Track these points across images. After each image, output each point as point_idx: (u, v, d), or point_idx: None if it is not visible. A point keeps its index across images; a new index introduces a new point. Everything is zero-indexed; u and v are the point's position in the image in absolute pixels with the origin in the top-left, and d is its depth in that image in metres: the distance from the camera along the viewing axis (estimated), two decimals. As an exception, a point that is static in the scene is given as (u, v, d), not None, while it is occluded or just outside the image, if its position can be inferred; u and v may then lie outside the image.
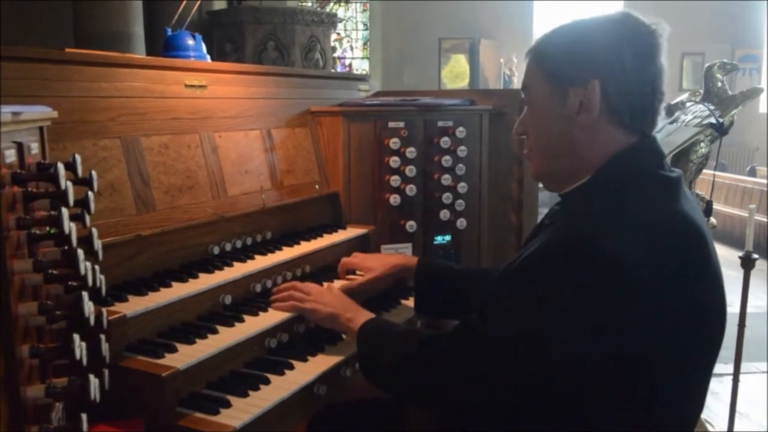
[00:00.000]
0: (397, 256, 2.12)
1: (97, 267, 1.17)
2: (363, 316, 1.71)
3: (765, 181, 8.84)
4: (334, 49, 10.17)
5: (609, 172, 1.36)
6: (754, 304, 5.68)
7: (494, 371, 1.33)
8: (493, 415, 1.40)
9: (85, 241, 1.14)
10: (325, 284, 2.03)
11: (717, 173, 3.13)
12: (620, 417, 1.31)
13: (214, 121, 2.15)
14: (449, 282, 2.00)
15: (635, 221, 1.26)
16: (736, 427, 3.19)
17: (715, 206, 3.14)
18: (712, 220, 3.06)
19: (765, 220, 7.88)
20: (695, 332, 1.30)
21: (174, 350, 1.52)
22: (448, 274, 2.02)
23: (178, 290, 1.70)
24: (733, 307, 4.86)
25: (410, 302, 2.15)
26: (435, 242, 2.72)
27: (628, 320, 1.23)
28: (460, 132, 2.67)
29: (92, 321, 1.12)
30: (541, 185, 1.61)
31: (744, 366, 3.19)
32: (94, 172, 1.18)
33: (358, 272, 2.16)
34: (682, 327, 1.27)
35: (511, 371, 1.31)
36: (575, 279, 1.24)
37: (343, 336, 1.86)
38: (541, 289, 1.28)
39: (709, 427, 3.26)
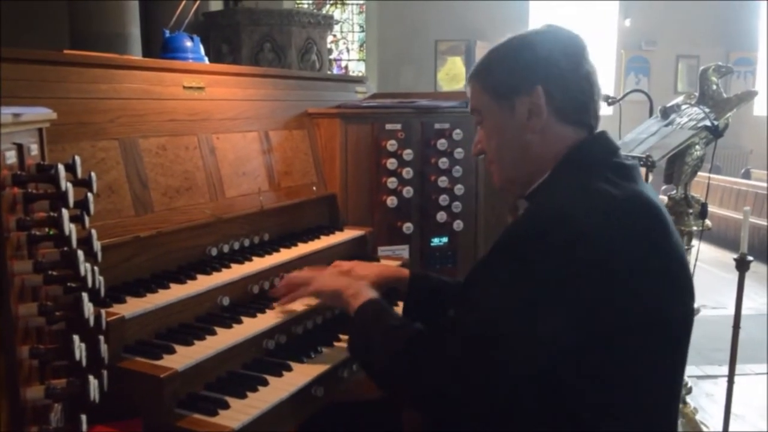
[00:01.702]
0: (388, 267, 2.07)
1: (96, 268, 1.17)
2: (365, 294, 1.68)
3: (760, 183, 8.88)
4: (330, 51, 10.16)
5: (566, 164, 1.45)
6: (749, 306, 5.70)
7: (472, 360, 1.32)
8: (476, 412, 1.39)
9: (85, 243, 1.14)
10: None
11: (712, 176, 3.14)
12: (596, 401, 1.32)
13: (211, 122, 2.15)
14: (441, 297, 1.94)
15: (596, 197, 1.33)
16: (731, 429, 3.20)
17: (711, 208, 3.16)
18: (707, 222, 3.08)
19: (764, 223, 7.89)
20: (663, 300, 1.34)
21: (172, 351, 1.53)
22: (440, 288, 1.96)
23: (176, 292, 1.71)
24: (727, 309, 4.90)
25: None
26: (432, 244, 2.73)
27: (597, 290, 1.26)
28: (457, 134, 2.68)
29: (91, 322, 1.13)
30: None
31: (738, 368, 3.20)
32: (93, 174, 1.18)
33: None
34: (649, 294, 1.31)
35: (489, 357, 1.31)
36: (544, 252, 1.28)
37: (340, 336, 1.86)
38: (510, 269, 1.32)
39: (704, 429, 3.27)
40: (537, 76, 1.44)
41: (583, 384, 1.32)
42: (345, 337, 1.84)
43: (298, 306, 1.86)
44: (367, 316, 1.63)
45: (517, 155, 1.50)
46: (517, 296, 1.30)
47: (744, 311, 3.18)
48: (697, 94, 3.25)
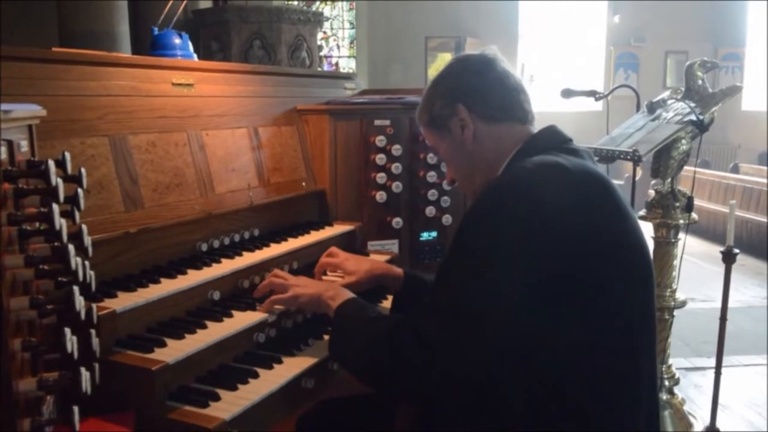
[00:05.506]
0: (379, 264, 2.07)
1: (87, 263, 1.19)
2: (343, 296, 1.72)
3: (748, 177, 8.94)
4: (320, 47, 10.16)
5: (520, 153, 1.58)
6: (737, 298, 5.76)
7: (448, 337, 1.36)
8: (459, 391, 1.42)
9: (76, 237, 1.16)
10: None
11: (700, 170, 3.18)
12: (564, 368, 1.37)
13: (201, 119, 2.17)
14: None
15: (548, 167, 1.44)
16: (718, 420, 3.24)
17: (699, 203, 3.20)
18: (694, 215, 3.11)
19: (752, 217, 7.94)
20: (608, 266, 1.40)
21: (163, 345, 1.54)
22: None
23: (166, 286, 1.72)
24: (715, 301, 4.94)
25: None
26: (421, 239, 2.75)
27: (551, 253, 1.34)
28: (446, 130, 2.70)
29: (83, 316, 1.14)
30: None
31: (726, 359, 3.24)
32: (83, 169, 1.19)
33: (331, 273, 2.14)
34: (596, 258, 1.38)
35: (463, 331, 1.35)
36: (500, 221, 1.38)
37: (330, 329, 1.88)
38: (471, 244, 1.41)
39: (692, 419, 3.31)
40: (454, 96, 1.64)
41: (551, 351, 1.37)
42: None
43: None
44: (347, 315, 1.66)
45: (470, 167, 1.67)
46: (480, 267, 1.37)
47: (732, 304, 3.22)
48: (683, 89, 3.28)
